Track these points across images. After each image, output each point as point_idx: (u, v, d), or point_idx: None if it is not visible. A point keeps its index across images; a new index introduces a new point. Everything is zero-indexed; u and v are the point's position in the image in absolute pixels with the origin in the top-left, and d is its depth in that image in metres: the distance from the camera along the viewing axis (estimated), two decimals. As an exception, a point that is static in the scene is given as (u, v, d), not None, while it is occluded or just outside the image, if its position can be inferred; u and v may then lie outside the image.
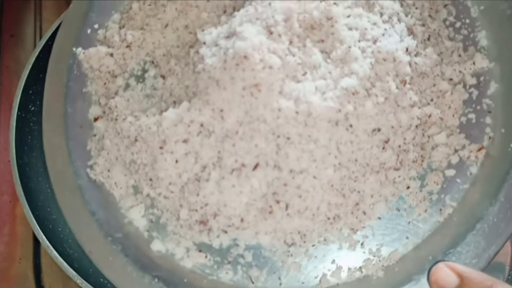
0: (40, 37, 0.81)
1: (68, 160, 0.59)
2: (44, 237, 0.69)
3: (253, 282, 0.56)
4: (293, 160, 0.53)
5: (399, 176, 0.55)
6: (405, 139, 0.55)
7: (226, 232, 0.56)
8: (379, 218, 0.55)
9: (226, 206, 0.55)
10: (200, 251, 0.57)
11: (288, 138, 0.53)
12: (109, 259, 0.56)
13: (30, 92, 0.78)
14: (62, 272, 0.67)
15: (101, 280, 0.69)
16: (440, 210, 0.55)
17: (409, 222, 0.55)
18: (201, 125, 0.55)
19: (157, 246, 0.57)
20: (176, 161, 0.55)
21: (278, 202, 0.54)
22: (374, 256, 0.55)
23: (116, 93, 0.61)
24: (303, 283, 0.56)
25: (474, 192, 0.55)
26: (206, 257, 0.57)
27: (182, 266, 0.57)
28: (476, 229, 0.54)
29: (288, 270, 0.56)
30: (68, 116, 0.60)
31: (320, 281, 0.56)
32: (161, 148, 0.55)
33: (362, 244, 0.55)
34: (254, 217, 0.55)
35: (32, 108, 0.79)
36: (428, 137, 0.56)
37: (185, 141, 0.55)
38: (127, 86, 0.61)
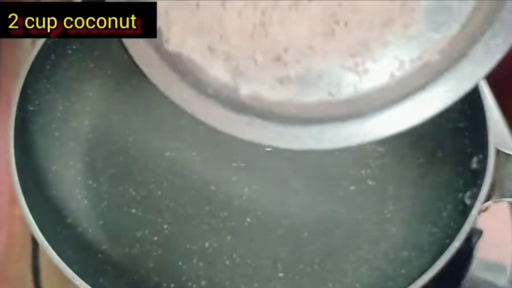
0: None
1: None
2: (43, 238, 0.67)
3: (333, 95, 0.63)
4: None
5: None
6: None
7: (299, 61, 0.62)
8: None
9: (293, 38, 0.60)
10: (281, 83, 0.63)
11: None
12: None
13: (29, 92, 0.76)
14: (61, 273, 0.65)
15: (100, 281, 0.69)
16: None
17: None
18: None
19: (244, 89, 0.63)
20: (239, 13, 0.60)
21: (337, 22, 0.60)
22: (429, 42, 0.59)
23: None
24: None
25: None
26: (288, 88, 0.63)
27: (270, 100, 0.63)
28: None
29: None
30: None
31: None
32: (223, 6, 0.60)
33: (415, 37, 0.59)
34: (320, 42, 0.61)
35: (31, 108, 0.78)
36: None
37: (241, -7, 0.59)
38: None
